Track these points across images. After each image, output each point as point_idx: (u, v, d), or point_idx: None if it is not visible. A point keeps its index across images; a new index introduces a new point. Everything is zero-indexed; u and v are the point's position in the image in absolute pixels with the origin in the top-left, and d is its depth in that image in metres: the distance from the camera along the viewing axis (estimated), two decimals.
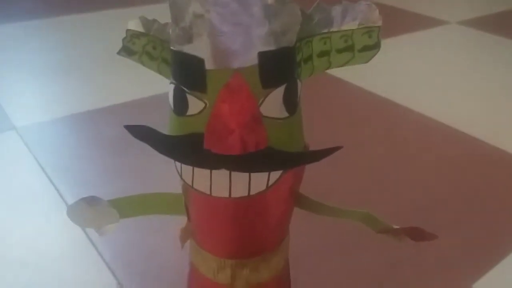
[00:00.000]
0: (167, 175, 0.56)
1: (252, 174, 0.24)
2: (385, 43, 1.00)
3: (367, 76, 0.87)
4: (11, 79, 0.79)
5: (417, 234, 0.28)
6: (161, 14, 1.14)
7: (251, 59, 0.22)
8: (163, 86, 0.76)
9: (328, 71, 0.87)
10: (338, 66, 0.27)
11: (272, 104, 0.23)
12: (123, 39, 0.28)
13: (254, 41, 0.22)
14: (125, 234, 0.47)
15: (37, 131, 0.64)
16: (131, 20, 0.27)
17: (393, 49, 1.01)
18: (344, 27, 0.26)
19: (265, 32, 0.22)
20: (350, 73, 0.87)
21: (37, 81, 0.79)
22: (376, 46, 0.26)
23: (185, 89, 0.23)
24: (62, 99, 0.73)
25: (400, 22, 1.21)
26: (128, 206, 0.30)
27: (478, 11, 1.33)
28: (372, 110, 0.74)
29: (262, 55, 0.22)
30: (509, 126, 0.71)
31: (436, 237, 0.28)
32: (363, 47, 0.26)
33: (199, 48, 0.22)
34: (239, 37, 0.21)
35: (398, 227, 0.28)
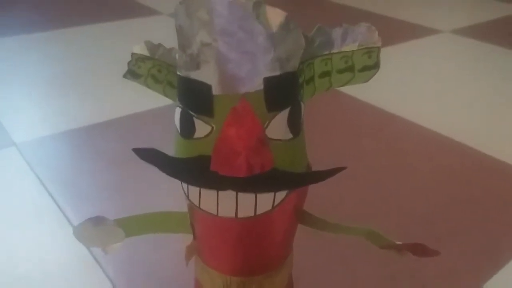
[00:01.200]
0: (168, 188, 0.56)
1: (258, 194, 0.25)
2: None
3: (362, 86, 0.87)
4: (10, 94, 0.80)
5: (419, 250, 0.29)
6: (158, 26, 1.15)
7: (257, 84, 0.22)
8: (162, 99, 0.76)
9: None
10: (339, 86, 0.28)
11: (277, 127, 0.24)
12: (129, 63, 0.29)
13: (260, 68, 0.22)
14: (129, 250, 0.47)
15: (37, 147, 0.64)
16: (137, 45, 0.28)
17: (386, 59, 1.02)
18: (345, 48, 0.26)
19: (270, 59, 0.22)
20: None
21: (36, 96, 0.79)
22: (375, 66, 0.27)
23: (192, 113, 0.24)
24: (61, 114, 0.74)
25: (392, 31, 1.22)
26: (135, 225, 0.31)
27: (471, 19, 1.35)
28: (369, 121, 0.75)
29: (267, 81, 0.22)
30: (505, 135, 0.72)
31: (438, 253, 0.28)
32: (363, 67, 0.27)
33: (207, 75, 0.22)
34: (246, 65, 0.22)
35: (401, 243, 0.29)
